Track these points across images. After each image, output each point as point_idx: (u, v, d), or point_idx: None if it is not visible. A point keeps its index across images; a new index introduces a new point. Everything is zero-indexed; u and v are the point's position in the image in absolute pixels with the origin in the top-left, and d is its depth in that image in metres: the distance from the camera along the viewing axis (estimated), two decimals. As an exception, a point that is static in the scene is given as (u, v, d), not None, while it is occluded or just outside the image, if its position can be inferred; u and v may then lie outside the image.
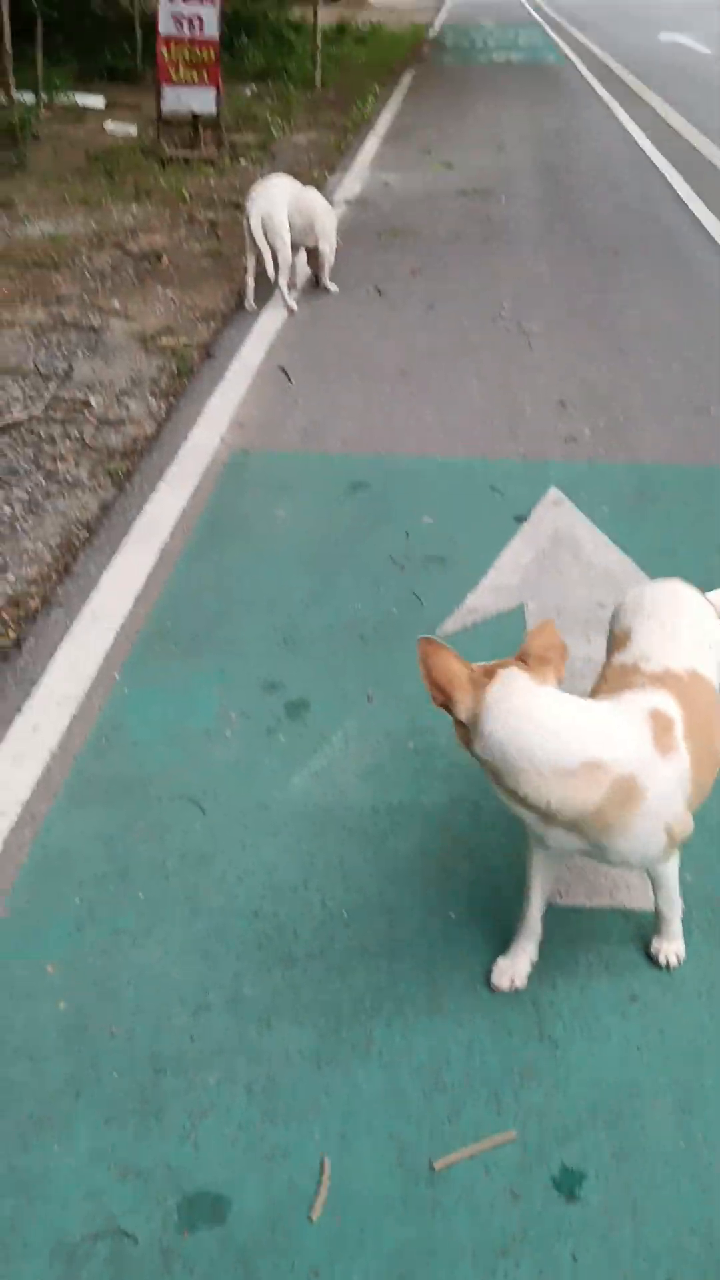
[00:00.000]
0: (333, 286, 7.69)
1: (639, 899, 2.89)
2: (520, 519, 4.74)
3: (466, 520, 4.74)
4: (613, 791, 2.23)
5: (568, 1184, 2.27)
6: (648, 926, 2.80)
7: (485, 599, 4.19)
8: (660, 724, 2.34)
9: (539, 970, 2.69)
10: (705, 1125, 2.37)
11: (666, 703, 2.39)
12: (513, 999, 2.63)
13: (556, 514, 4.78)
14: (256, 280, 7.19)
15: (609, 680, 2.58)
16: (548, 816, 2.28)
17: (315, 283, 7.80)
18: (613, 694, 2.47)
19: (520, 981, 2.65)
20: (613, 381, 6.17)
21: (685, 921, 2.77)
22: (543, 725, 2.23)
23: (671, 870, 2.56)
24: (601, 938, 2.80)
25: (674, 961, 2.70)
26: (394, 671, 3.77)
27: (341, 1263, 2.12)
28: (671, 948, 2.72)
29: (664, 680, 2.46)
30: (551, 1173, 2.29)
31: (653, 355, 6.55)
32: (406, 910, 2.87)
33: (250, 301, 7.25)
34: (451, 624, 4.04)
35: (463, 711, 2.29)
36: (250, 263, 7.11)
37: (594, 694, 2.58)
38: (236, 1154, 2.30)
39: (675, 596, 2.75)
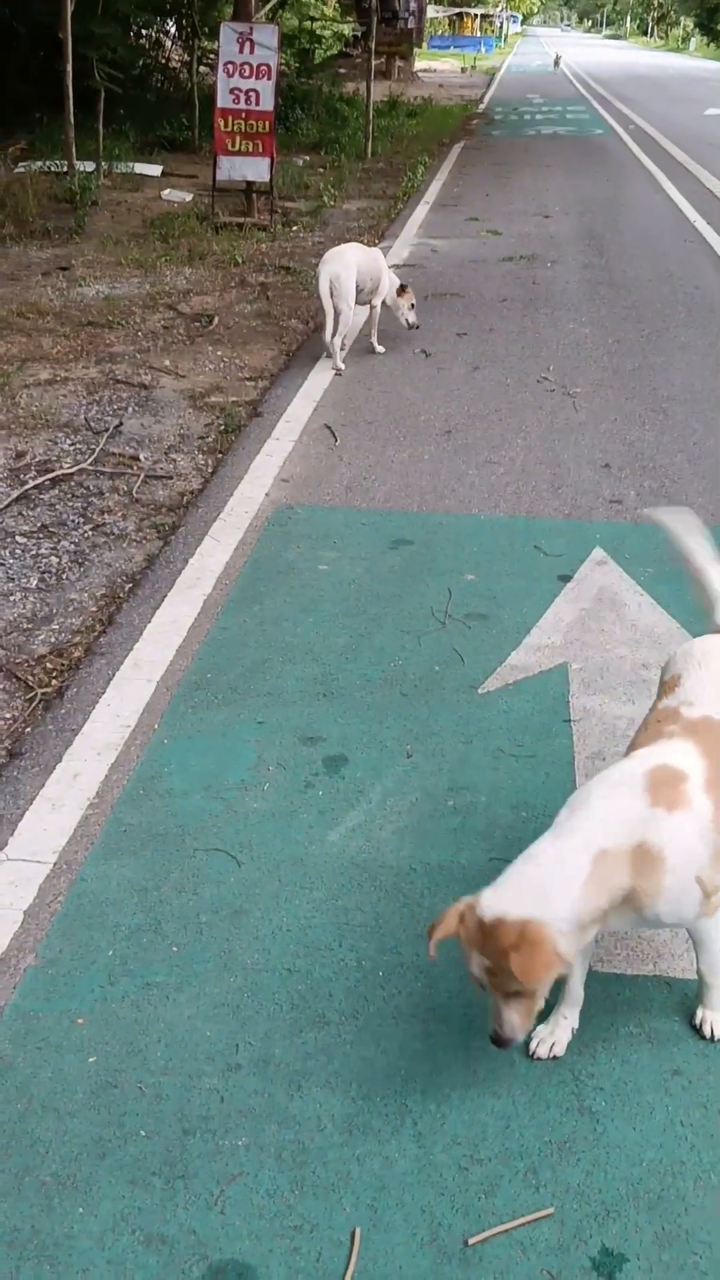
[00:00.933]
0: (380, 348, 7.77)
1: (682, 967, 2.80)
2: (564, 578, 4.70)
3: (509, 578, 4.71)
4: (634, 863, 2.28)
5: (608, 1267, 2.17)
6: (691, 996, 2.70)
7: (528, 657, 4.14)
8: (661, 781, 2.35)
9: (578, 1040, 2.60)
10: (753, 1209, 2.26)
11: (679, 756, 2.41)
12: (551, 1070, 2.54)
13: (601, 574, 4.74)
14: (332, 331, 7.27)
15: (648, 725, 2.62)
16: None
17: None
18: (646, 742, 2.52)
19: (560, 1050, 2.57)
20: (657, 444, 6.15)
21: None
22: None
23: (714, 930, 2.49)
24: (644, 1008, 2.70)
25: None
26: (434, 727, 3.72)
27: (370, 1343, 2.02)
28: (717, 1017, 2.62)
29: (696, 729, 2.49)
30: (590, 1254, 2.18)
31: (696, 419, 6.53)
32: (442, 974, 2.79)
33: (332, 343, 7.30)
34: (493, 682, 3.99)
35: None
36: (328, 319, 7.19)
37: (634, 740, 2.61)
38: (264, 1224, 2.21)
39: None
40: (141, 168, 14.70)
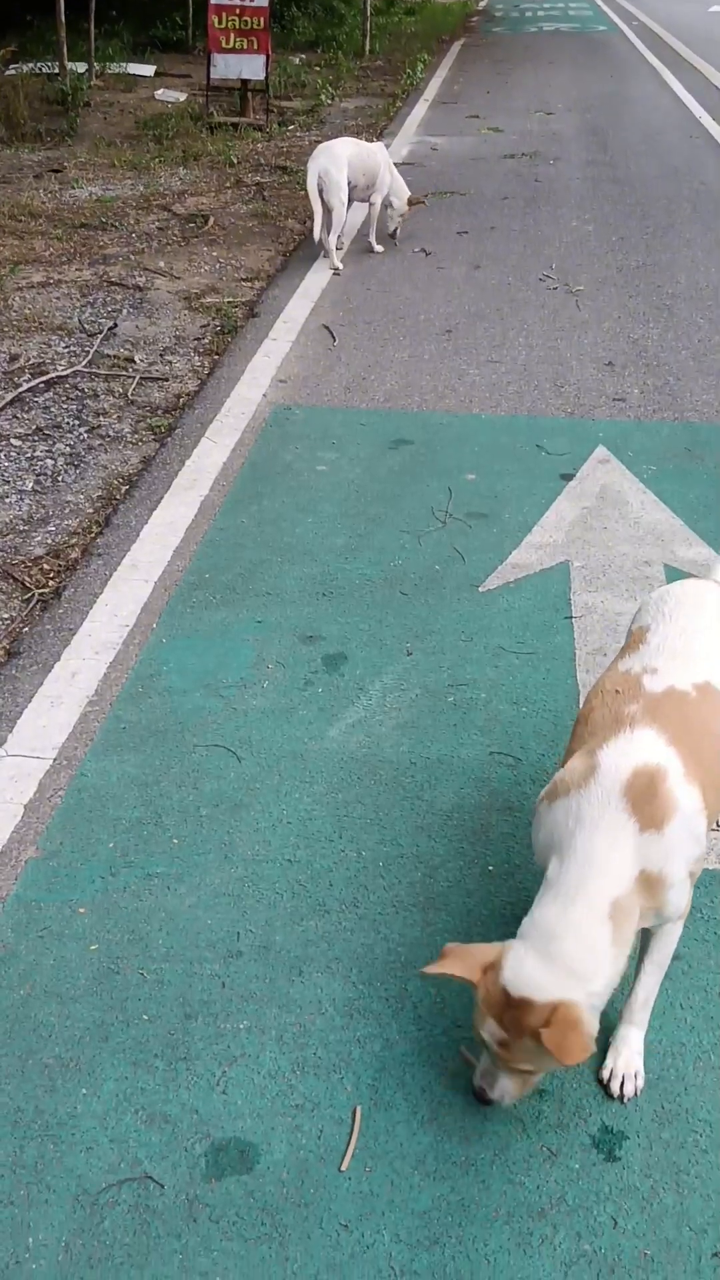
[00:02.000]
0: (379, 247, 7.58)
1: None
2: (566, 477, 4.63)
3: (510, 477, 4.64)
4: (644, 893, 2.10)
5: (607, 1144, 2.19)
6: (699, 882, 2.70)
7: (529, 556, 4.09)
8: (641, 795, 2.11)
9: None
10: (752, 1087, 2.28)
11: (650, 751, 2.17)
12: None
13: (603, 472, 4.66)
14: (324, 230, 7.08)
15: (605, 691, 2.37)
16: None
17: (392, 235, 7.68)
18: (604, 724, 2.27)
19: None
20: (661, 342, 6.02)
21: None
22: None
23: (677, 932, 2.29)
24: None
25: (630, 1091, 2.28)
26: (434, 626, 3.69)
27: (372, 1219, 2.05)
28: (629, 1067, 2.30)
29: (659, 708, 2.25)
30: (590, 1132, 2.21)
31: (702, 316, 6.39)
32: (442, 863, 2.79)
33: (327, 241, 7.12)
34: (494, 580, 3.94)
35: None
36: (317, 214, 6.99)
37: (590, 711, 2.36)
38: (266, 1103, 2.24)
39: (700, 599, 2.54)
40: (134, 68, 14.23)
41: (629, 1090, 2.28)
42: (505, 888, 2.72)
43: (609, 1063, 2.31)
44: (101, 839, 2.84)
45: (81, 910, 2.64)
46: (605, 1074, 2.30)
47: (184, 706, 3.31)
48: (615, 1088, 2.28)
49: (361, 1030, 2.38)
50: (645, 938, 2.28)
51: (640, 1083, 2.29)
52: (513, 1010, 2.00)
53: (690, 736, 2.21)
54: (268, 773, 3.07)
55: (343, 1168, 2.12)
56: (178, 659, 3.52)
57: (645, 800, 2.11)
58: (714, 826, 2.76)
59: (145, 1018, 2.40)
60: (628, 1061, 2.30)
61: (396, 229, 7.62)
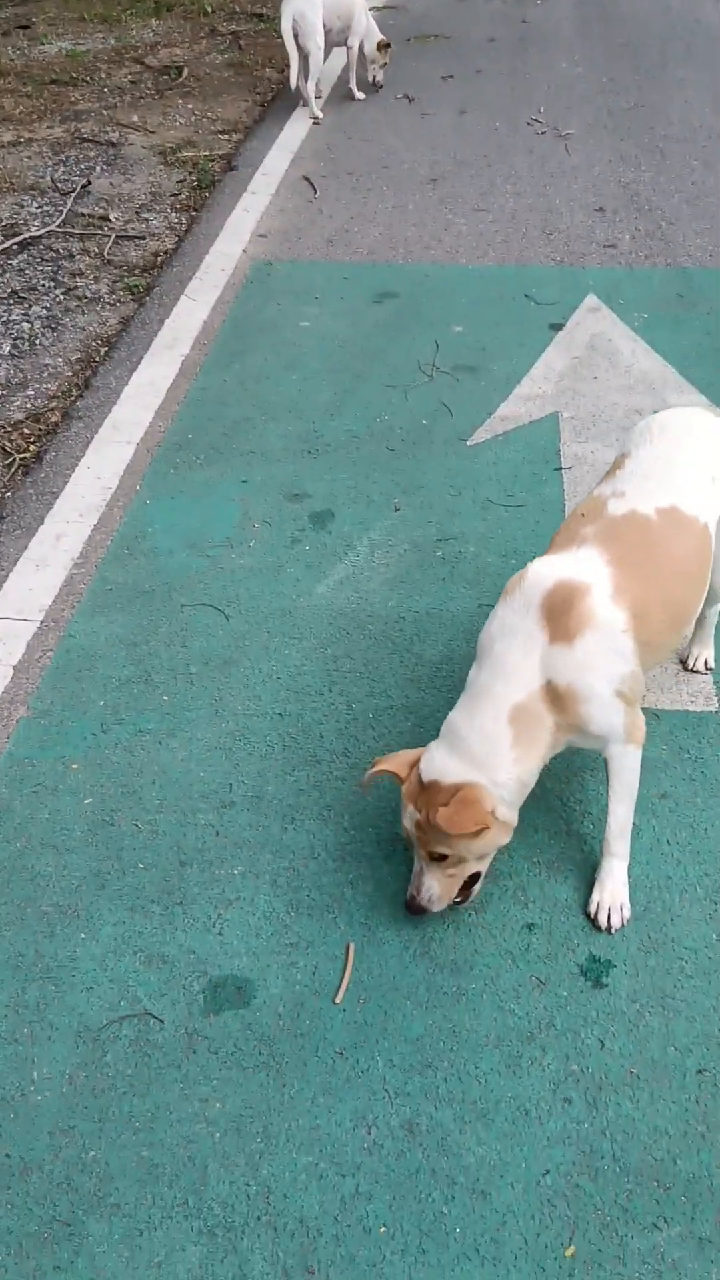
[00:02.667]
0: (360, 94, 7.26)
1: (671, 699, 2.82)
2: (555, 327, 4.52)
3: (498, 328, 4.52)
4: (550, 702, 2.17)
5: (594, 972, 2.25)
6: (679, 727, 2.73)
7: (518, 408, 4.01)
8: (556, 607, 2.15)
9: (566, 771, 2.64)
10: (736, 917, 2.33)
11: (582, 567, 2.20)
12: (539, 798, 2.56)
13: (593, 320, 4.55)
14: (301, 77, 6.82)
15: (574, 516, 2.41)
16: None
17: (375, 83, 7.38)
18: (562, 543, 2.32)
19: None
20: (653, 185, 5.82)
21: (717, 722, 2.70)
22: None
23: (631, 760, 2.32)
24: (633, 738, 2.72)
25: (616, 922, 2.33)
26: (421, 481, 3.64)
27: (365, 1046, 2.11)
28: (614, 899, 2.35)
29: (614, 529, 2.27)
30: (578, 961, 2.26)
31: (695, 157, 6.16)
32: (432, 713, 2.80)
33: (304, 89, 6.86)
34: (482, 433, 3.88)
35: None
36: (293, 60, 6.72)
37: (555, 537, 2.38)
38: (261, 942, 2.29)
39: (686, 424, 2.52)
40: None
41: (615, 921, 2.33)
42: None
43: (595, 896, 2.36)
44: (92, 697, 2.85)
45: (74, 766, 2.67)
46: (592, 907, 2.35)
47: (170, 566, 3.29)
48: (602, 920, 2.33)
49: (354, 872, 2.43)
50: (606, 768, 2.34)
51: (627, 914, 2.34)
52: (426, 794, 2.15)
53: (638, 558, 2.24)
54: (256, 630, 3.06)
55: (337, 1000, 2.18)
56: (163, 519, 3.48)
57: (560, 613, 2.16)
58: (675, 658, 2.76)
59: (141, 866, 2.44)
60: (613, 894, 2.36)
61: (376, 76, 7.31)
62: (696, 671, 2.90)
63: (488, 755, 2.15)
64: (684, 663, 2.92)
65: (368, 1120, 2.00)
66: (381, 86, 7.34)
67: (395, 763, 2.25)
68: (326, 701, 2.84)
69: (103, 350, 4.46)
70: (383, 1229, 1.85)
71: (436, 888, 2.21)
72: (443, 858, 2.17)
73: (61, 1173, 1.93)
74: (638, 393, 4.06)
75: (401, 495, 3.58)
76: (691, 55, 8.10)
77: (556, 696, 2.15)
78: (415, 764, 2.21)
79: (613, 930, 2.33)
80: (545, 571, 2.21)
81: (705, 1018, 2.15)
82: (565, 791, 2.60)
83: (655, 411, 3.86)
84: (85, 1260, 1.82)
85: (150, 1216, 1.87)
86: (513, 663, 2.17)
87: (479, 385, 4.15)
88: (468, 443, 3.84)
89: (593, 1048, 2.12)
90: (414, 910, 2.24)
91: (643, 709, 2.77)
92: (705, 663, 2.91)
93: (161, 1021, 2.15)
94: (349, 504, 3.54)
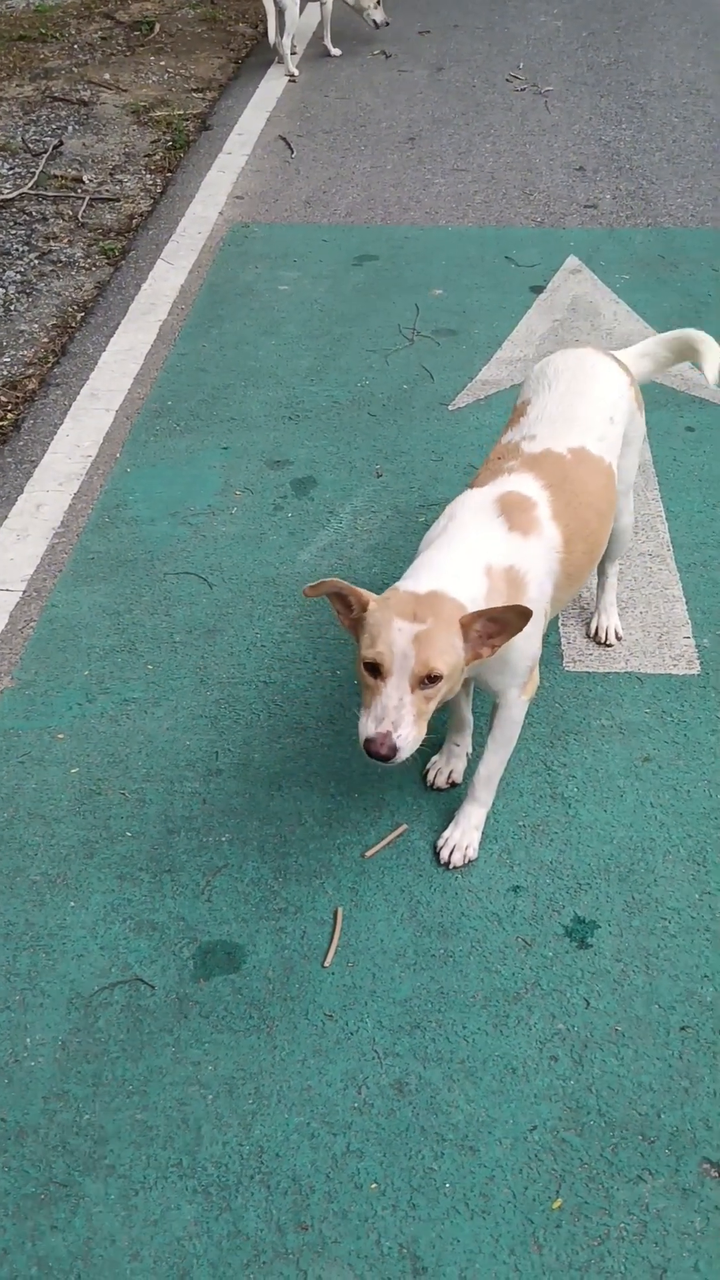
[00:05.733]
0: (335, 50, 7.17)
1: (654, 664, 2.84)
2: (536, 289, 4.50)
3: (479, 291, 4.50)
4: (505, 585, 2.11)
5: (579, 933, 2.28)
6: (662, 691, 2.75)
7: (499, 371, 4.01)
8: (513, 506, 2.18)
9: (551, 734, 2.66)
10: (718, 879, 2.36)
11: (524, 486, 2.23)
12: (524, 762, 2.60)
13: (574, 282, 4.53)
14: (277, 33, 6.72)
15: (490, 462, 2.40)
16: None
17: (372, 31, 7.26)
18: (486, 481, 2.30)
19: (458, 777, 2.57)
20: (634, 143, 5.78)
21: (700, 685, 2.73)
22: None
23: (519, 711, 2.32)
24: (615, 702, 2.75)
25: (458, 860, 2.39)
26: (404, 446, 3.64)
27: (355, 1009, 2.15)
28: (463, 839, 2.42)
29: (537, 463, 2.29)
30: (563, 922, 2.30)
31: (676, 114, 6.12)
32: (418, 679, 2.82)
33: (280, 44, 6.76)
34: (464, 398, 3.87)
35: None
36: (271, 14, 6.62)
37: (479, 473, 2.38)
38: (250, 908, 2.31)
39: (580, 365, 2.52)
40: None
41: (456, 859, 2.40)
42: (478, 700, 2.76)
43: (446, 832, 2.43)
44: (76, 667, 2.86)
45: (60, 736, 2.68)
46: (441, 842, 2.42)
47: (152, 535, 3.28)
48: (444, 855, 2.41)
49: (341, 838, 2.45)
50: (492, 715, 2.36)
51: (471, 854, 2.41)
52: (425, 603, 1.95)
53: (563, 489, 2.27)
54: (240, 598, 3.07)
55: (326, 964, 2.21)
56: (144, 488, 3.47)
57: (516, 511, 2.18)
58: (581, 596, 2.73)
59: (129, 834, 2.46)
60: (463, 834, 2.43)
61: (375, 18, 7.07)
62: (607, 645, 2.89)
63: (471, 595, 2.03)
64: (593, 636, 2.92)
65: (358, 1080, 2.04)
66: (387, 24, 7.14)
67: (353, 589, 2.04)
68: (311, 669, 2.85)
69: (79, 316, 4.42)
70: (374, 1185, 1.89)
71: (415, 723, 1.94)
72: (434, 680, 1.93)
73: (57, 1136, 1.96)
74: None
75: (383, 461, 3.58)
76: (672, 7, 8.01)
77: (514, 582, 2.12)
78: (383, 596, 2.03)
79: (451, 867, 2.39)
80: (490, 489, 2.24)
81: (688, 975, 2.19)
82: (549, 755, 2.62)
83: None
84: (82, 1219, 1.85)
85: (145, 1177, 1.90)
86: (476, 535, 2.14)
87: (460, 349, 4.14)
88: (449, 407, 3.83)
89: (578, 1006, 2.15)
90: (384, 749, 1.92)
91: (626, 673, 2.81)
92: (614, 632, 2.91)
93: (152, 987, 2.18)
94: (331, 470, 3.54)
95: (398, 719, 1.92)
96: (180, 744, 2.67)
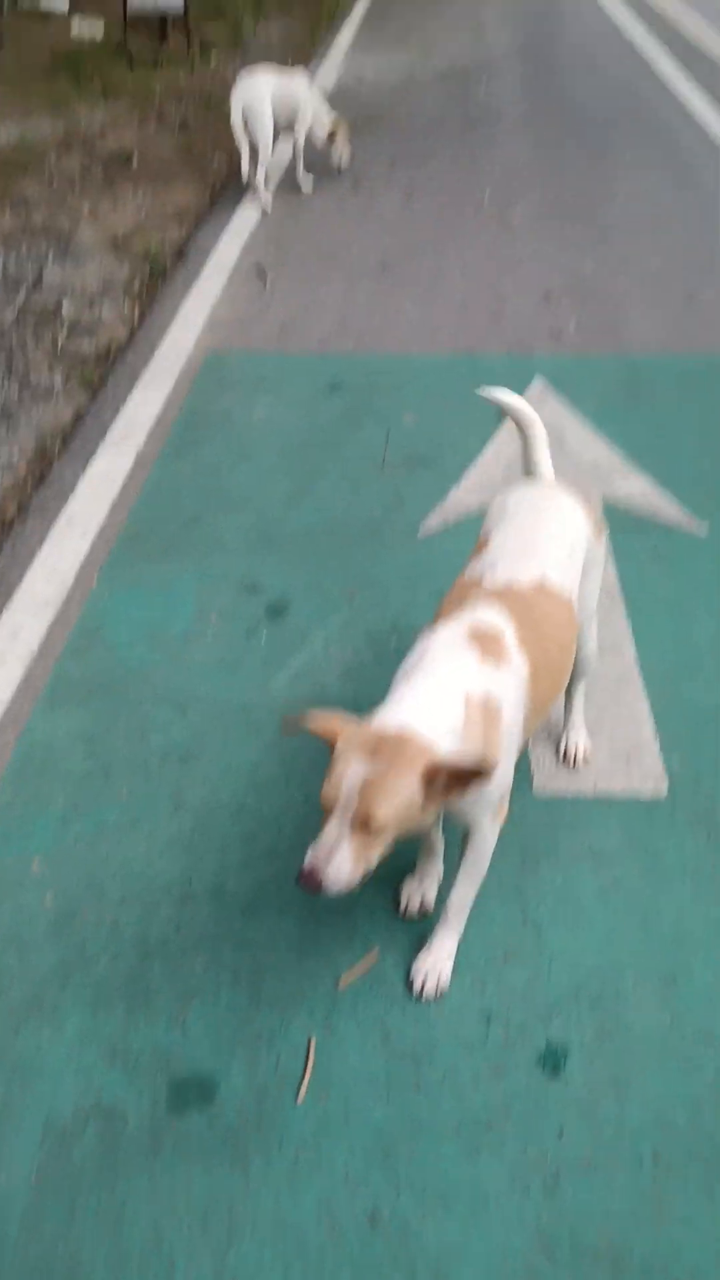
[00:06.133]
0: (308, 181, 7.48)
1: (621, 785, 2.91)
2: (505, 416, 4.66)
3: (449, 417, 4.67)
4: (482, 714, 2.13)
5: (551, 1061, 2.31)
6: (630, 814, 2.82)
7: (468, 497, 4.14)
8: (483, 636, 2.24)
9: (523, 858, 2.71)
10: (688, 1003, 2.40)
11: (490, 616, 2.30)
12: (497, 887, 2.63)
13: (542, 409, 4.70)
14: (251, 165, 7.05)
15: (454, 593, 2.47)
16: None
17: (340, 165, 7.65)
18: (451, 613, 2.36)
19: (429, 905, 2.59)
20: (598, 271, 6.04)
21: (668, 807, 2.80)
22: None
23: (492, 837, 2.36)
24: (584, 826, 2.81)
25: (430, 991, 2.42)
26: (376, 572, 3.74)
27: (327, 1137, 2.16)
28: (435, 968, 2.44)
29: (501, 596, 2.37)
30: (535, 1049, 2.32)
31: (639, 242, 6.40)
32: (390, 802, 2.87)
33: (254, 179, 7.09)
34: (434, 521, 4.00)
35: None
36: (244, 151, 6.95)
37: (442, 606, 2.45)
38: (224, 1036, 2.33)
39: (539, 499, 2.65)
40: (47, 3, 13.78)
41: (429, 990, 2.42)
42: (449, 826, 2.81)
43: (418, 961, 2.46)
44: (52, 793, 2.90)
45: (36, 861, 2.71)
46: (412, 970, 2.45)
47: (128, 661, 3.35)
48: (417, 985, 2.43)
49: (314, 964, 2.48)
50: (463, 843, 2.38)
51: (443, 983, 2.43)
52: (386, 745, 1.95)
53: (526, 622, 2.33)
54: (214, 724, 3.13)
55: (299, 1100, 2.23)
56: (120, 613, 3.56)
57: (486, 641, 2.23)
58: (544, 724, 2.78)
59: (104, 960, 2.48)
60: (435, 962, 2.45)
61: (341, 158, 7.52)
62: (576, 767, 2.95)
63: (444, 731, 2.04)
64: (562, 757, 2.98)
65: (331, 1209, 2.05)
66: (344, 169, 7.56)
67: (327, 721, 2.07)
68: (285, 795, 2.91)
69: (58, 443, 4.55)
70: (347, 1327, 1.89)
71: (349, 863, 1.96)
72: (366, 827, 1.95)
73: (32, 1264, 1.96)
74: (586, 480, 4.20)
75: (356, 586, 3.68)
76: (635, 137, 8.41)
77: (488, 710, 2.14)
78: (350, 724, 2.05)
79: (424, 998, 2.41)
80: (460, 620, 2.30)
81: (659, 1101, 2.22)
82: (521, 880, 2.67)
83: (603, 497, 4.06)
84: None
85: (118, 1322, 1.90)
86: (453, 664, 2.18)
87: (431, 475, 4.28)
88: (420, 533, 3.95)
89: (550, 1134, 2.17)
90: (312, 884, 1.96)
91: (595, 796, 2.88)
92: (583, 754, 2.97)
93: (126, 1117, 2.19)
94: (304, 596, 3.64)
95: (329, 857, 1.96)
96: (155, 869, 2.70)
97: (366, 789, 1.94)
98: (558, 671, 2.45)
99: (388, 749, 1.96)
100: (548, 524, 2.57)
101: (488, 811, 2.32)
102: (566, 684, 2.62)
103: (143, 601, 3.61)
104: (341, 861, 1.96)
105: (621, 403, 4.75)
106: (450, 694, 2.11)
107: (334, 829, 1.97)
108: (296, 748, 3.04)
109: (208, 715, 3.16)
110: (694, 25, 12.52)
